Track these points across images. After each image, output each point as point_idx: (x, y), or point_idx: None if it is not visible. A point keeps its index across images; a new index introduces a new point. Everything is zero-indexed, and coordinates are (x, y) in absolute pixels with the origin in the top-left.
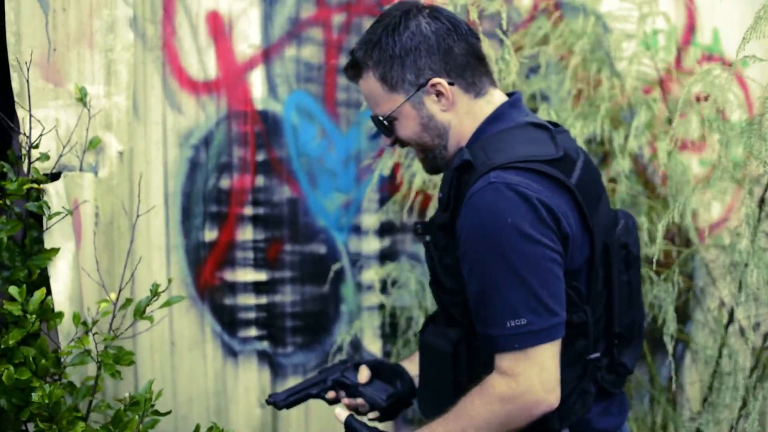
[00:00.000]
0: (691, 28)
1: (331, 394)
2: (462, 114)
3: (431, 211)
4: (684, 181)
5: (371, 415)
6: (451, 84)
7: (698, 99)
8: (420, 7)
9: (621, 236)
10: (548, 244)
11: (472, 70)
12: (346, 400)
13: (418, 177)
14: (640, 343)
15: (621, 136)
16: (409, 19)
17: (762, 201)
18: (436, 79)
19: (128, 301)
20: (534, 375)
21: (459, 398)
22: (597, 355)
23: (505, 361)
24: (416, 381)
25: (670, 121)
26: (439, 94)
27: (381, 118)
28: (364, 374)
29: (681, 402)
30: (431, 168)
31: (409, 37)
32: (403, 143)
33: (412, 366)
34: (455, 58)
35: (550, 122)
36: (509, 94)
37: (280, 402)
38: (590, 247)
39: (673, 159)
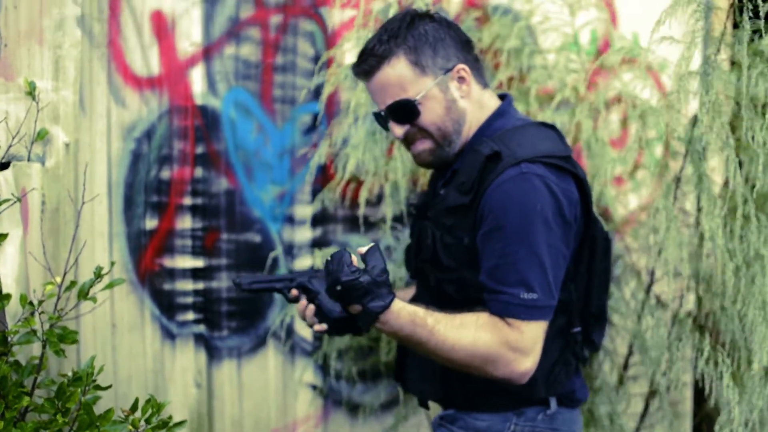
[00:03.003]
0: (609, 34)
1: (294, 293)
2: (474, 103)
3: (363, 195)
4: (604, 160)
5: (318, 327)
6: (470, 73)
7: (620, 100)
8: (425, 13)
9: (602, 229)
10: (561, 235)
11: (479, 65)
12: (303, 302)
13: (351, 162)
14: (606, 323)
15: (548, 115)
16: (424, 17)
17: (678, 179)
18: (461, 65)
19: (72, 283)
20: (532, 341)
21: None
22: (578, 329)
23: (513, 320)
24: None
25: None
26: (461, 79)
27: (411, 100)
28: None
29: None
30: (437, 159)
31: (435, 27)
32: (413, 136)
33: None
34: (470, 51)
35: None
36: (500, 96)
37: (243, 284)
38: (583, 232)
39: (592, 138)
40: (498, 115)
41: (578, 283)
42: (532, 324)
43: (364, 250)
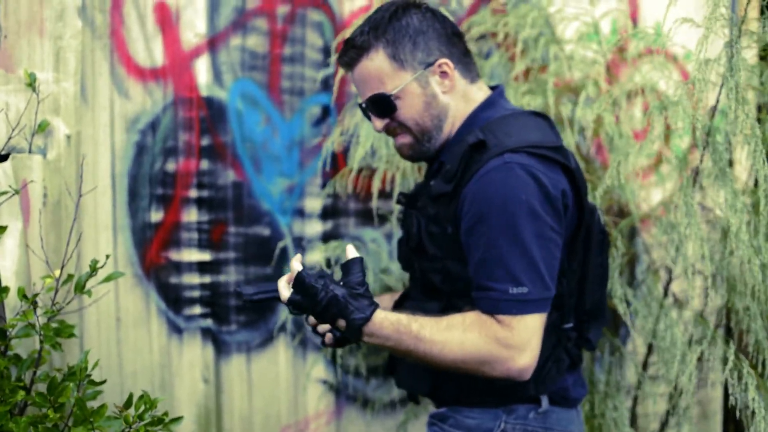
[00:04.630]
0: (633, 21)
1: None
2: (459, 97)
3: (376, 184)
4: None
5: (329, 338)
6: (454, 67)
7: (642, 91)
8: (415, 3)
9: (599, 222)
10: (552, 224)
11: (467, 59)
12: None
13: (359, 151)
14: (604, 322)
15: (568, 109)
16: (410, 8)
17: (696, 172)
18: (443, 60)
19: (70, 276)
20: (526, 336)
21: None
22: (570, 325)
23: (503, 317)
24: None
25: (614, 105)
26: (443, 74)
27: (387, 94)
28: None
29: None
30: (418, 152)
31: (419, 19)
32: (393, 130)
33: (378, 300)
34: (457, 45)
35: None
36: (492, 87)
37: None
38: (576, 226)
39: (615, 131)
40: (486, 105)
41: (570, 278)
42: (525, 318)
43: (349, 256)
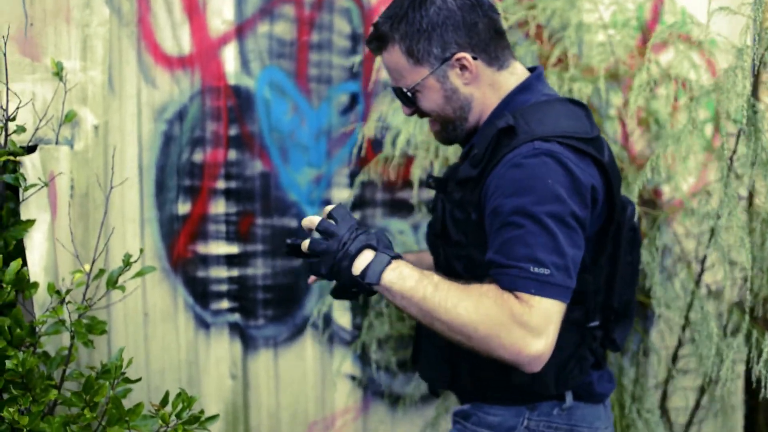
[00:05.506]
0: (657, 8)
1: None
2: (485, 87)
3: (416, 173)
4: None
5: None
6: (474, 58)
7: (669, 77)
8: None
9: (631, 219)
10: (578, 213)
11: (494, 44)
12: None
13: (401, 138)
14: (631, 322)
15: (619, 97)
16: None
17: (731, 160)
18: (461, 54)
19: (101, 271)
20: (544, 319)
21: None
22: (596, 323)
23: (521, 294)
24: None
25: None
26: (463, 67)
27: (405, 90)
28: None
29: (648, 370)
30: (447, 139)
31: (435, 11)
32: (423, 114)
33: (412, 257)
34: (479, 33)
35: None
36: (531, 69)
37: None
38: (606, 221)
39: (665, 119)
40: (522, 89)
41: (597, 274)
42: (545, 300)
43: (328, 209)
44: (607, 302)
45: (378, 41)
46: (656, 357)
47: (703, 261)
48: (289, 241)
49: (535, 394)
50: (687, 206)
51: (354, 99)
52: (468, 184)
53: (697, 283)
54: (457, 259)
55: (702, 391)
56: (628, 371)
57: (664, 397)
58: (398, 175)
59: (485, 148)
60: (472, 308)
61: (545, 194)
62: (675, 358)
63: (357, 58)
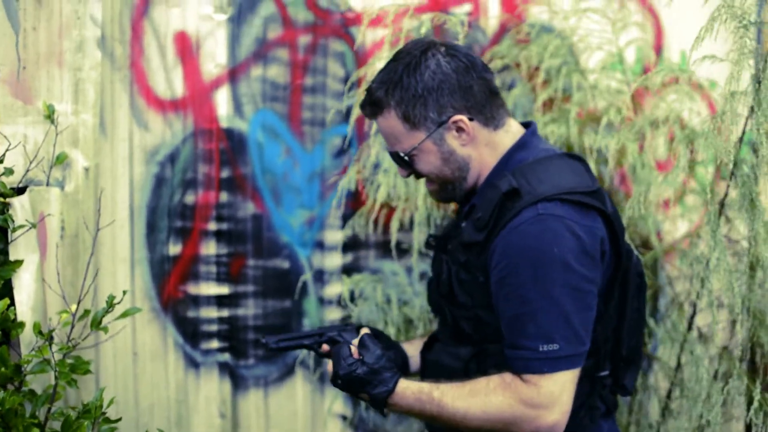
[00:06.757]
0: (658, 49)
1: (325, 348)
2: (482, 147)
3: (395, 224)
4: (648, 181)
5: None
6: (471, 119)
7: (666, 121)
8: (437, 44)
9: (637, 265)
10: (588, 276)
11: (489, 105)
12: None
13: (382, 190)
14: (639, 366)
15: (592, 139)
16: (429, 58)
17: (722, 204)
18: (457, 116)
19: (86, 312)
20: (555, 393)
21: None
22: (606, 372)
23: (531, 376)
24: (411, 361)
25: (637, 135)
26: (459, 129)
27: (402, 155)
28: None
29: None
30: (445, 198)
31: (430, 76)
32: (420, 175)
33: (408, 346)
34: (474, 95)
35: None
36: (524, 124)
37: (271, 344)
38: (613, 270)
39: (638, 161)
40: (519, 146)
41: (606, 324)
42: (555, 376)
43: (356, 342)
44: (616, 350)
45: (372, 106)
46: (652, 399)
47: (695, 304)
48: (263, 341)
49: None
50: (678, 248)
51: (348, 142)
52: (473, 248)
53: (690, 325)
54: (465, 320)
55: (700, 430)
56: (622, 409)
57: None
58: (386, 220)
59: (490, 213)
60: (480, 413)
61: (552, 263)
62: (668, 399)
63: (351, 101)
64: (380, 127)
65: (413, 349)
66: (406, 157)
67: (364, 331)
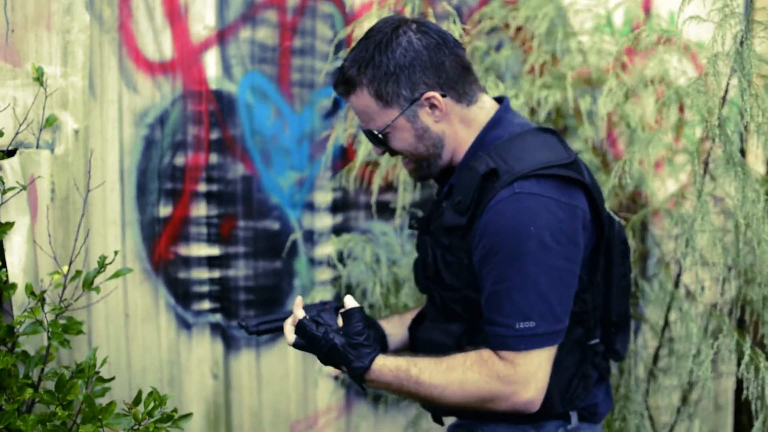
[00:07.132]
0: (647, 10)
1: None
2: (456, 123)
3: (376, 182)
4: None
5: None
6: (443, 96)
7: (653, 82)
8: (408, 21)
9: (620, 232)
10: (565, 253)
11: (462, 81)
12: None
13: (363, 147)
14: (629, 330)
15: (588, 103)
16: (400, 35)
17: (706, 163)
18: (429, 93)
19: (78, 273)
20: (531, 371)
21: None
22: (596, 341)
23: (507, 353)
24: (389, 339)
25: (626, 97)
26: (432, 106)
27: (376, 132)
28: (340, 319)
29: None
30: (421, 177)
31: (402, 53)
32: (395, 153)
33: (386, 324)
34: (447, 71)
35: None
36: (497, 99)
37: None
38: (596, 239)
39: (637, 123)
40: (493, 124)
41: (594, 292)
42: (531, 353)
43: (348, 305)
44: (606, 316)
45: (345, 85)
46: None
47: (679, 263)
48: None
49: (541, 413)
50: (663, 209)
51: (337, 103)
52: (456, 231)
53: (677, 284)
54: (454, 302)
55: (691, 386)
56: (613, 371)
57: (646, 396)
58: (371, 180)
59: (471, 196)
60: (457, 390)
61: (528, 242)
62: (656, 358)
63: (339, 63)
64: (354, 106)
65: (390, 327)
66: (380, 135)
67: (350, 304)
